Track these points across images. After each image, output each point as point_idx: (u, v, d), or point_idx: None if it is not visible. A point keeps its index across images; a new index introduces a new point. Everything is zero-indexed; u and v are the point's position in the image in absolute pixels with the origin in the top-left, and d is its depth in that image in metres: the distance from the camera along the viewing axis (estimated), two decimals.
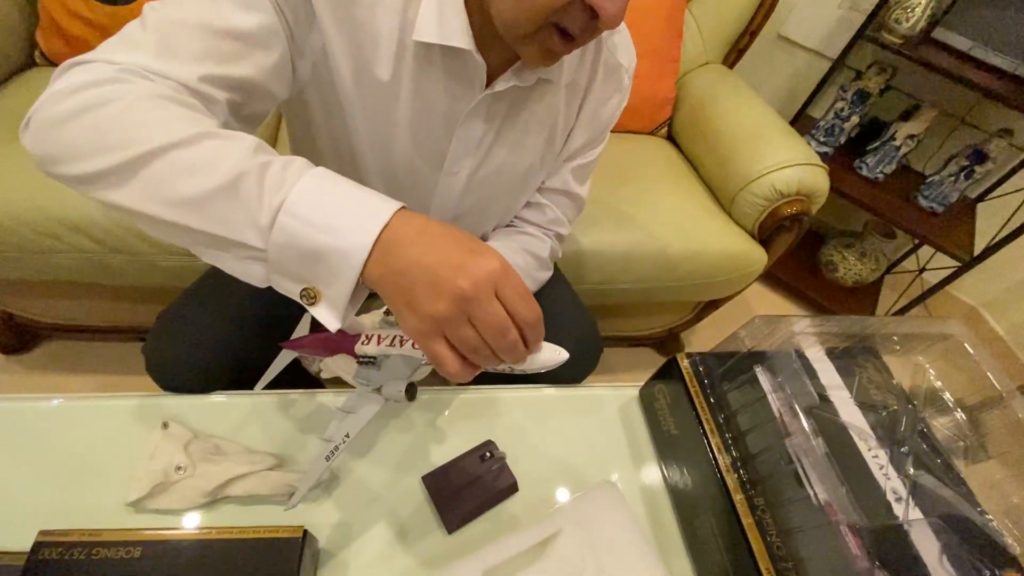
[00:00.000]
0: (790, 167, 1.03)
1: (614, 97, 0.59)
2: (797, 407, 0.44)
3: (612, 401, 0.59)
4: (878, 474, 0.44)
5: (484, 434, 0.52)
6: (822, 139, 1.48)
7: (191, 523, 0.44)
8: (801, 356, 0.51)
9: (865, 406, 0.49)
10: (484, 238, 0.66)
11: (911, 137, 1.37)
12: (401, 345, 0.40)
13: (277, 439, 0.50)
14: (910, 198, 1.44)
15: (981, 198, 1.46)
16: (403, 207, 0.33)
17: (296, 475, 0.46)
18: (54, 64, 1.00)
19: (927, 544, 0.40)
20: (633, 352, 1.40)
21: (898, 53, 1.25)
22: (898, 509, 0.42)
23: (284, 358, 0.50)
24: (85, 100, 0.33)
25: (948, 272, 1.37)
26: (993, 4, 1.22)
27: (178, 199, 0.31)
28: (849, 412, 0.48)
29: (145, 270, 0.88)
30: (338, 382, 0.53)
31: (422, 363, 0.41)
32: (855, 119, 1.42)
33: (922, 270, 1.62)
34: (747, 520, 0.42)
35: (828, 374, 0.51)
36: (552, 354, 0.35)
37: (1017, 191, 1.36)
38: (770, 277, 1.64)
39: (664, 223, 1.05)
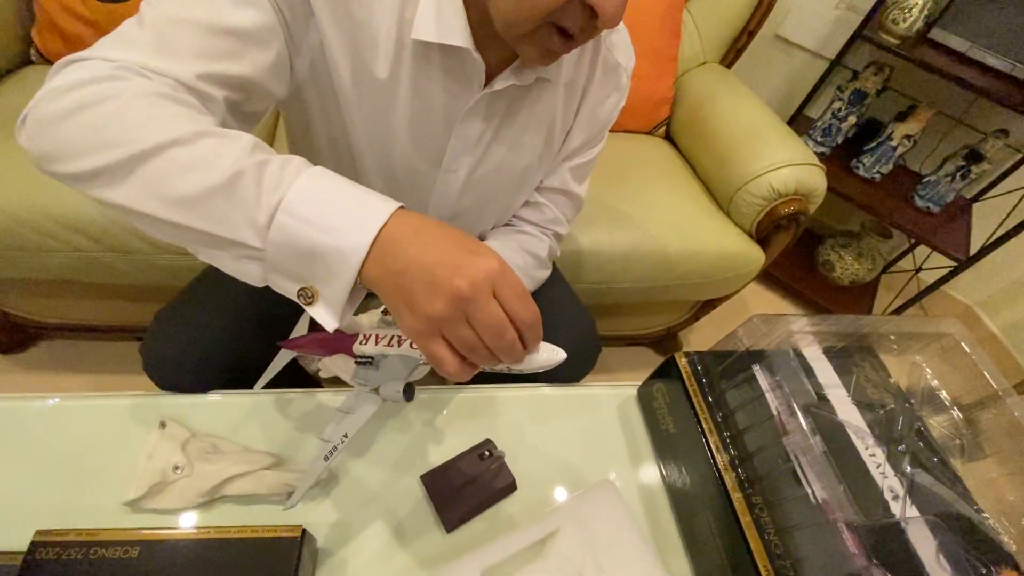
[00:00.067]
0: (788, 167, 1.03)
1: (612, 96, 0.59)
2: (795, 406, 0.44)
3: (610, 400, 0.59)
4: (875, 472, 0.44)
5: (482, 433, 0.52)
6: (819, 139, 1.49)
7: (189, 523, 0.44)
8: (799, 355, 0.51)
9: (862, 405, 0.49)
10: (482, 237, 0.66)
11: (908, 137, 1.37)
12: (399, 345, 0.40)
13: (275, 438, 0.50)
14: (907, 198, 1.45)
15: (977, 198, 1.47)
16: (401, 206, 0.32)
17: (294, 474, 0.46)
18: (50, 62, 1.00)
19: (924, 542, 0.40)
20: (631, 351, 1.40)
21: (895, 53, 1.25)
22: (895, 507, 0.42)
23: (283, 358, 0.50)
24: (82, 97, 0.32)
25: (944, 272, 1.38)
26: (990, 5, 1.23)
27: (175, 197, 0.31)
28: (846, 411, 0.48)
29: (142, 269, 0.88)
30: (336, 381, 0.53)
31: (420, 363, 0.41)
32: (852, 119, 1.43)
33: (918, 270, 1.63)
34: (745, 518, 0.42)
35: (826, 373, 0.51)
36: (550, 354, 0.35)
37: (1013, 191, 1.37)
38: (768, 277, 1.65)
39: (662, 223, 1.05)
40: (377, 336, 0.42)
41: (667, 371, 0.54)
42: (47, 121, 0.33)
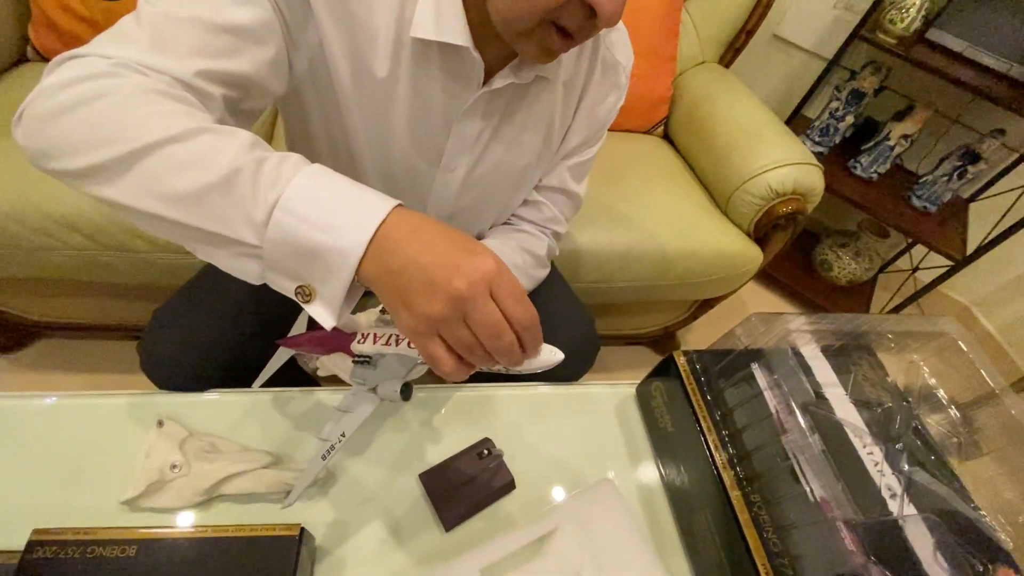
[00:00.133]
0: (786, 166, 1.03)
1: (611, 95, 0.59)
2: (793, 404, 0.45)
3: (609, 399, 0.59)
4: (873, 471, 0.44)
5: (481, 432, 0.52)
6: (817, 139, 1.49)
7: (187, 522, 0.43)
8: (797, 354, 0.51)
9: (860, 403, 0.49)
10: (481, 236, 0.66)
11: (905, 137, 1.38)
12: (397, 344, 0.40)
13: (273, 437, 0.50)
14: (904, 198, 1.45)
15: (974, 198, 1.47)
16: (399, 204, 0.32)
17: (292, 473, 0.46)
18: (46, 59, 0.99)
19: (921, 539, 0.40)
20: (629, 351, 1.40)
21: (892, 53, 1.26)
22: (893, 505, 0.42)
23: (281, 356, 0.50)
24: (78, 94, 0.32)
25: (941, 271, 1.38)
26: (986, 5, 1.23)
27: (172, 195, 0.31)
28: (844, 409, 0.48)
29: (139, 267, 0.87)
30: (334, 380, 0.53)
31: (418, 362, 0.41)
32: (850, 119, 1.43)
33: (915, 269, 1.64)
34: (744, 516, 0.42)
35: (824, 371, 0.51)
36: (548, 355, 0.35)
37: (1009, 191, 1.37)
38: (765, 276, 1.65)
39: (660, 222, 1.05)
40: (375, 335, 0.42)
41: (665, 370, 0.54)
42: (43, 117, 0.33)
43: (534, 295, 0.68)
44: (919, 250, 1.60)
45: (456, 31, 0.44)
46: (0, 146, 0.82)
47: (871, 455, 0.45)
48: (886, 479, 0.44)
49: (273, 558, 0.36)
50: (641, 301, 1.17)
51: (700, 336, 1.44)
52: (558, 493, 0.51)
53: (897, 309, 1.56)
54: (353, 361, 0.43)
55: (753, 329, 0.51)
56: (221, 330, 0.57)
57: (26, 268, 0.86)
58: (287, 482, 0.45)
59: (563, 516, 0.44)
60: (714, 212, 1.13)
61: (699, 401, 0.50)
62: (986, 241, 1.28)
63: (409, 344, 0.39)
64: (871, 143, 1.44)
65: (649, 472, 0.54)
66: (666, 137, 1.34)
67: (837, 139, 1.48)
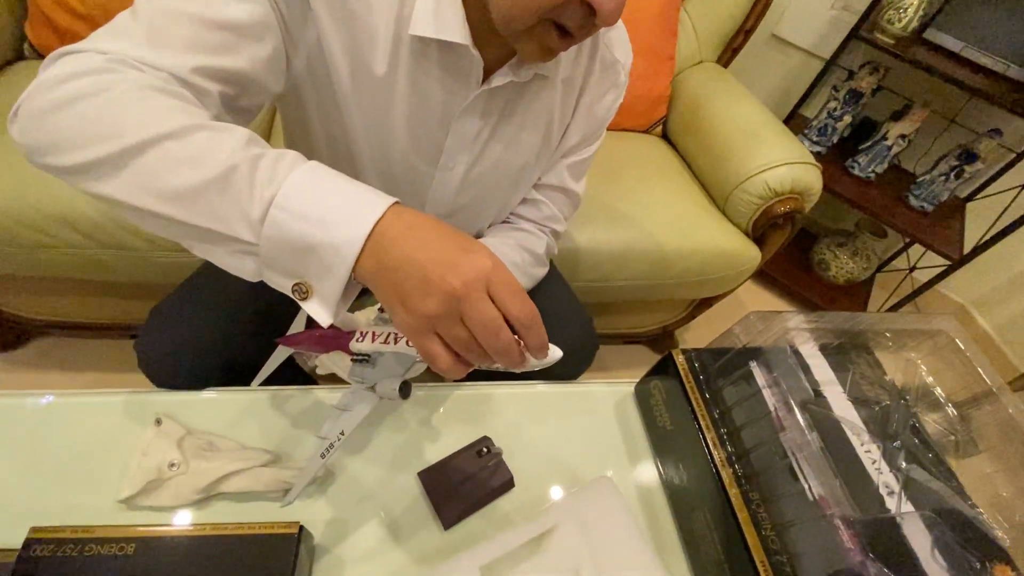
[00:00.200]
0: (784, 165, 1.04)
1: (610, 93, 0.59)
2: (792, 402, 0.45)
3: (608, 397, 0.60)
4: (871, 468, 0.44)
5: (479, 431, 0.52)
6: (815, 138, 1.49)
7: (185, 520, 0.43)
8: (795, 352, 0.51)
9: (858, 401, 0.49)
10: (480, 234, 0.66)
11: (902, 137, 1.38)
12: (395, 342, 0.40)
13: (271, 435, 0.49)
14: (901, 197, 1.45)
15: (971, 198, 1.48)
16: (396, 202, 0.32)
17: (291, 471, 0.46)
18: (43, 57, 0.98)
19: (919, 537, 0.40)
20: (628, 350, 1.41)
21: (890, 53, 1.26)
22: (890, 503, 0.42)
23: (280, 355, 0.50)
24: (74, 90, 0.32)
25: (938, 271, 1.39)
26: (984, 6, 1.24)
27: (169, 191, 0.31)
28: (842, 407, 0.48)
29: (137, 266, 0.87)
30: (332, 378, 0.52)
31: (416, 360, 0.41)
32: (847, 119, 1.44)
33: (912, 269, 1.64)
34: (742, 514, 0.42)
35: (822, 370, 0.51)
36: (547, 352, 0.35)
37: (1006, 191, 1.38)
38: (763, 275, 1.66)
39: (659, 221, 1.05)
40: (373, 333, 0.42)
41: (664, 368, 0.54)
42: (39, 113, 0.33)
43: (533, 294, 0.68)
44: (916, 249, 1.61)
45: (455, 29, 0.44)
46: None
47: (869, 453, 0.45)
48: (884, 477, 0.44)
49: (272, 556, 0.36)
50: (639, 300, 1.17)
51: (698, 335, 1.44)
52: (557, 492, 0.51)
53: (894, 308, 1.56)
54: (352, 359, 0.43)
55: (751, 327, 0.51)
56: (219, 328, 0.57)
57: (23, 266, 0.86)
58: (286, 480, 0.45)
59: (562, 514, 0.44)
60: (712, 211, 1.13)
61: (698, 399, 0.50)
62: (983, 241, 1.28)
63: (407, 342, 0.39)
64: (869, 143, 1.44)
65: (648, 470, 0.54)
66: (664, 136, 1.34)
67: (835, 139, 1.48)
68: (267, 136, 1.07)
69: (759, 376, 0.49)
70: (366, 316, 0.51)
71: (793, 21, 1.47)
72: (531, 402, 0.57)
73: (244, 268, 0.33)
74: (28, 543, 0.35)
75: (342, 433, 0.41)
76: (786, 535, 0.41)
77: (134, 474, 0.43)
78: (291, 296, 0.33)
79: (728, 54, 1.38)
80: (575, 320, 0.71)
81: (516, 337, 0.32)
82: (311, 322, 0.39)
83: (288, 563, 0.36)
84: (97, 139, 0.31)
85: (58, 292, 0.99)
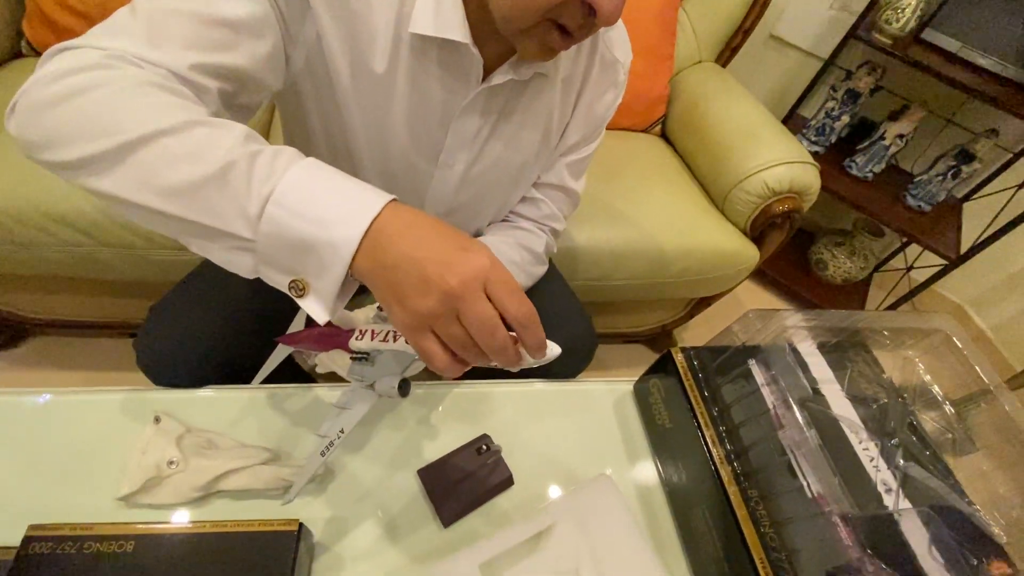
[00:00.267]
0: (782, 165, 1.04)
1: (610, 92, 0.59)
2: (791, 400, 0.45)
3: (606, 396, 0.60)
4: (868, 466, 0.45)
5: (478, 429, 0.52)
6: (813, 138, 1.50)
7: (184, 518, 0.43)
8: (794, 350, 0.52)
9: (856, 399, 0.49)
10: (479, 233, 0.66)
11: (900, 137, 1.39)
12: (394, 340, 0.40)
13: (270, 433, 0.49)
14: (898, 197, 1.46)
15: (967, 197, 1.48)
16: (394, 199, 0.32)
17: (290, 469, 0.46)
18: (41, 54, 0.98)
19: (916, 534, 0.40)
20: (626, 349, 1.41)
21: (888, 53, 1.26)
22: (888, 500, 0.42)
23: (280, 353, 0.50)
24: (72, 85, 0.32)
25: (935, 270, 1.39)
26: (981, 6, 1.24)
27: (166, 188, 0.31)
28: (840, 405, 0.48)
29: (135, 264, 0.87)
30: (331, 377, 0.52)
31: (415, 358, 0.41)
32: (845, 118, 1.44)
33: (909, 268, 1.65)
34: (741, 512, 0.43)
35: (820, 368, 0.51)
36: (546, 349, 0.35)
37: (1003, 191, 1.38)
38: (761, 275, 1.66)
39: (658, 220, 1.05)
40: (372, 331, 0.42)
41: (663, 366, 0.54)
42: (37, 108, 0.33)
43: (532, 292, 0.69)
44: (913, 249, 1.61)
45: (455, 27, 0.44)
46: None
47: (867, 451, 0.46)
48: (881, 474, 0.44)
49: (272, 553, 0.36)
50: (638, 299, 1.17)
51: (696, 334, 1.44)
52: (556, 490, 0.51)
53: (892, 308, 1.57)
54: (351, 358, 0.43)
55: (750, 326, 0.51)
56: (218, 327, 0.56)
57: (20, 264, 0.85)
58: (285, 478, 0.45)
59: (561, 512, 0.44)
60: (711, 210, 1.13)
61: (697, 397, 0.50)
62: (980, 240, 1.29)
63: (406, 340, 0.39)
64: (866, 143, 1.44)
65: (647, 468, 0.54)
66: (663, 136, 1.35)
67: (833, 138, 1.49)
68: (266, 133, 1.07)
69: (758, 374, 0.49)
70: (365, 314, 0.51)
71: (791, 21, 1.47)
72: (530, 400, 0.58)
73: (241, 265, 0.33)
74: (27, 540, 0.35)
75: (342, 431, 0.41)
76: (784, 532, 0.41)
77: (133, 472, 0.43)
78: (287, 293, 0.33)
79: (727, 54, 1.38)
80: (574, 318, 0.71)
81: (514, 336, 0.32)
82: (311, 321, 0.39)
83: (288, 560, 0.36)
84: (95, 135, 0.31)
85: (55, 290, 0.98)
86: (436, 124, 0.52)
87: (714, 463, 0.46)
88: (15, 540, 0.35)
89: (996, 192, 1.40)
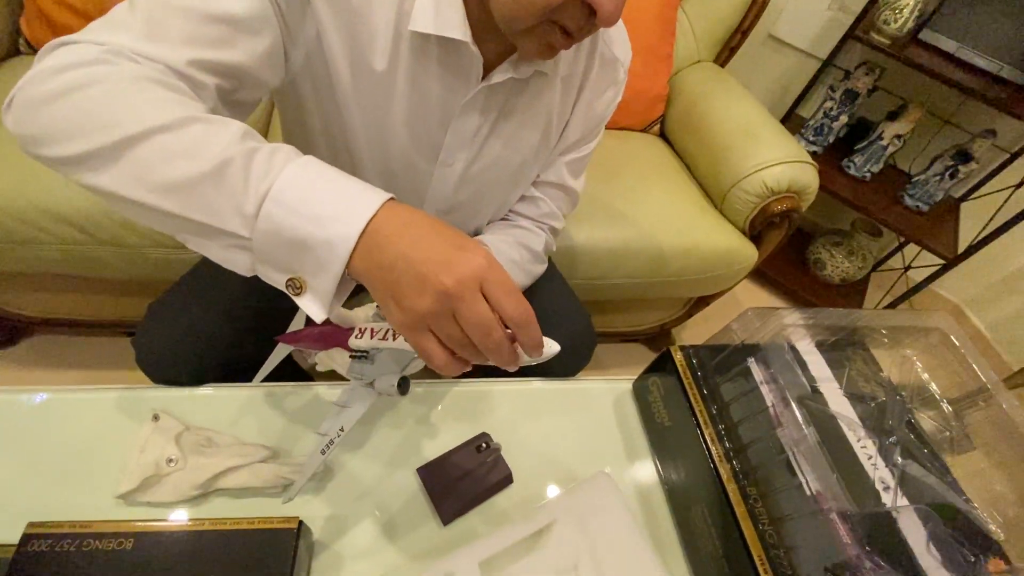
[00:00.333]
0: (781, 164, 1.04)
1: (609, 90, 0.59)
2: (789, 398, 0.45)
3: (606, 394, 0.60)
4: (867, 464, 0.45)
5: (478, 428, 0.52)
6: (811, 138, 1.50)
7: (183, 516, 0.43)
8: (792, 348, 0.52)
9: (854, 397, 0.50)
10: (478, 231, 0.66)
11: (898, 137, 1.39)
12: (393, 339, 0.40)
13: (269, 431, 0.49)
14: (896, 197, 1.46)
15: (965, 197, 1.49)
16: (391, 198, 0.32)
17: (289, 467, 0.46)
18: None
19: (914, 531, 0.40)
20: (625, 348, 1.41)
21: (886, 53, 1.27)
22: (886, 497, 0.43)
23: (280, 352, 0.50)
24: (70, 80, 0.32)
25: (933, 270, 1.39)
26: (978, 7, 1.24)
27: (163, 184, 0.31)
28: (839, 403, 0.49)
29: (133, 262, 0.86)
30: (329, 375, 0.52)
31: (414, 357, 0.41)
32: (843, 118, 1.44)
33: (907, 268, 1.65)
34: (740, 509, 0.43)
35: (818, 366, 0.52)
36: (544, 347, 0.34)
37: (1000, 191, 1.39)
38: (759, 274, 1.66)
39: (656, 219, 1.06)
40: (372, 330, 0.42)
41: (662, 365, 0.54)
42: (34, 103, 0.32)
43: (531, 291, 0.69)
44: (911, 249, 1.61)
45: (455, 25, 0.44)
46: None
47: (865, 448, 0.46)
48: (880, 472, 0.44)
49: (271, 551, 0.36)
50: (637, 298, 1.17)
51: (695, 334, 1.45)
52: (555, 488, 0.51)
53: (890, 307, 1.57)
54: (350, 356, 0.43)
55: (749, 324, 0.51)
56: (217, 325, 0.56)
57: (17, 262, 0.85)
58: (284, 476, 0.45)
59: (560, 510, 0.44)
60: (710, 210, 1.13)
61: (696, 395, 0.50)
62: (977, 240, 1.29)
63: (405, 339, 0.39)
64: (864, 143, 1.45)
65: (646, 466, 0.54)
66: (662, 135, 1.35)
67: (831, 138, 1.49)
68: (264, 131, 1.06)
69: (756, 372, 0.49)
70: (364, 312, 0.51)
71: (790, 21, 1.47)
72: (529, 399, 0.58)
73: (238, 262, 0.33)
74: (25, 538, 0.35)
75: (342, 429, 0.41)
76: (783, 529, 0.41)
77: (132, 470, 0.43)
78: (285, 291, 0.33)
79: (725, 54, 1.38)
80: (573, 317, 0.71)
81: (511, 335, 0.32)
82: (311, 319, 0.39)
83: (287, 558, 0.36)
84: (92, 130, 0.31)
85: (53, 288, 0.98)
86: (436, 122, 0.52)
87: (713, 461, 0.46)
88: (14, 538, 0.35)
89: (993, 192, 1.41)
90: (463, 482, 0.48)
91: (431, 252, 0.30)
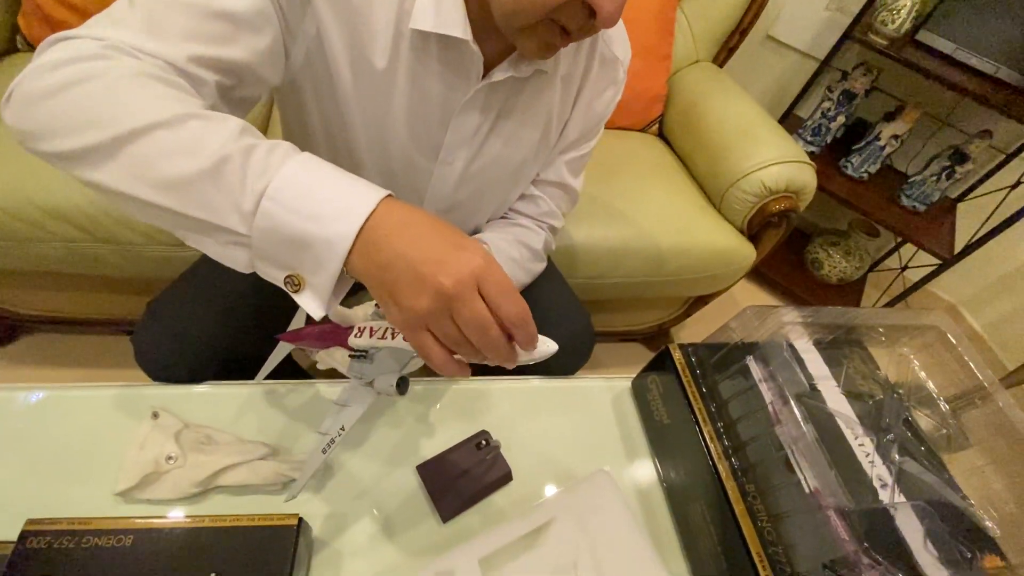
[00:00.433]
0: (779, 164, 1.04)
1: (609, 89, 0.59)
2: (788, 395, 0.45)
3: (605, 392, 0.60)
4: (864, 461, 0.45)
5: (477, 426, 0.52)
6: (809, 138, 1.51)
7: (182, 513, 0.43)
8: (790, 346, 0.52)
9: (852, 395, 0.50)
10: (478, 230, 0.66)
11: (895, 137, 1.39)
12: (393, 338, 0.40)
13: (268, 429, 0.49)
14: (893, 197, 1.47)
15: (961, 198, 1.50)
16: (389, 195, 0.32)
17: (289, 465, 0.46)
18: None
19: (911, 528, 0.41)
20: (623, 347, 1.41)
21: (883, 54, 1.27)
22: (884, 494, 0.43)
23: (281, 351, 0.50)
24: (68, 75, 0.32)
25: (929, 270, 1.40)
26: (975, 8, 1.25)
27: (161, 181, 0.31)
28: (836, 401, 0.49)
29: (132, 260, 0.86)
30: (328, 373, 0.52)
31: (413, 356, 0.41)
32: (841, 119, 1.45)
33: (904, 268, 1.66)
34: (738, 507, 0.43)
35: (816, 364, 0.52)
36: (542, 346, 0.34)
37: (996, 191, 1.39)
38: (757, 274, 1.67)
39: (655, 219, 1.06)
40: (371, 329, 0.42)
41: (661, 363, 0.54)
42: (33, 98, 0.32)
43: (531, 289, 0.69)
44: (908, 249, 1.62)
45: (456, 24, 0.44)
46: None
47: (862, 446, 0.46)
48: (877, 469, 0.44)
49: (271, 548, 0.36)
50: (635, 297, 1.17)
51: (693, 333, 1.45)
52: (554, 486, 0.51)
53: (887, 307, 1.58)
54: (350, 355, 0.43)
55: (747, 322, 0.52)
56: (216, 322, 0.56)
57: (15, 260, 0.85)
58: (284, 474, 0.45)
59: (560, 508, 0.44)
60: (708, 209, 1.14)
61: (695, 393, 0.50)
62: (973, 240, 1.30)
63: (404, 338, 0.39)
64: (862, 143, 1.45)
65: (645, 464, 0.54)
66: (661, 135, 1.35)
67: (828, 139, 1.50)
68: (264, 129, 1.06)
69: (755, 370, 0.49)
70: (364, 311, 0.51)
71: (788, 22, 1.48)
72: (528, 397, 0.58)
73: (236, 259, 0.33)
74: (24, 535, 0.35)
75: (343, 428, 0.41)
76: (781, 526, 0.42)
77: (131, 467, 0.43)
78: (284, 288, 0.33)
79: (724, 54, 1.39)
80: (572, 315, 0.71)
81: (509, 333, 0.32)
82: (311, 318, 0.39)
83: (287, 555, 0.36)
84: (90, 126, 0.31)
85: (51, 286, 0.98)
86: (436, 121, 0.52)
87: (712, 458, 0.46)
88: (12, 535, 0.35)
89: (989, 192, 1.41)
90: (462, 480, 0.48)
91: (429, 251, 0.30)
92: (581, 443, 0.55)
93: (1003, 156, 1.37)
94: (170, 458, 0.43)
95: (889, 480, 0.44)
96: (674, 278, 1.09)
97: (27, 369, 1.06)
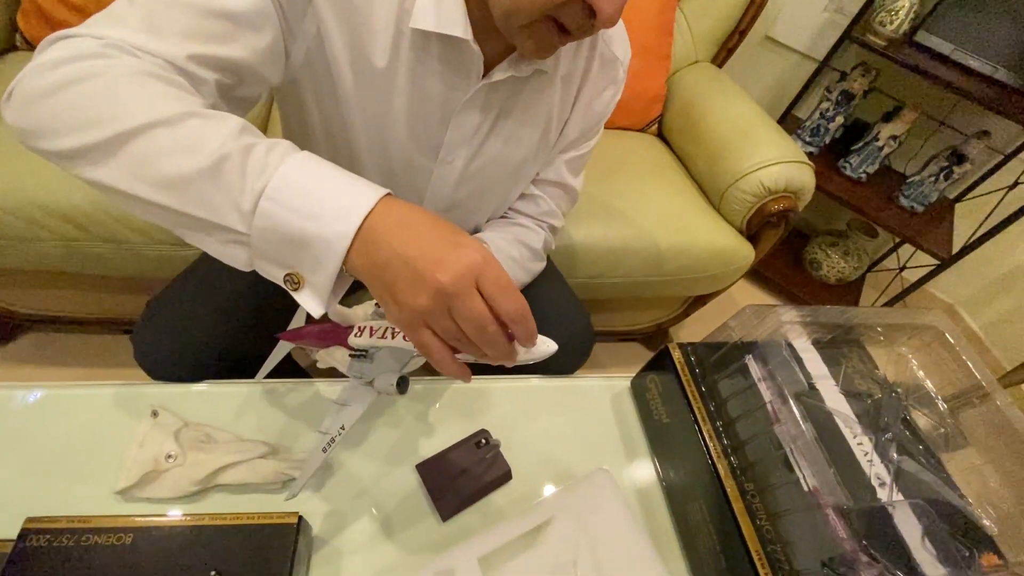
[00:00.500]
0: (778, 164, 1.05)
1: (608, 89, 0.59)
2: (787, 394, 0.45)
3: (604, 392, 0.60)
4: (863, 460, 0.45)
5: (476, 425, 0.52)
6: (808, 139, 1.51)
7: (182, 511, 0.43)
8: (789, 346, 0.52)
9: (850, 394, 0.50)
10: (478, 229, 0.66)
11: (893, 138, 1.40)
12: (393, 337, 0.40)
13: (268, 428, 0.49)
14: (892, 198, 1.47)
15: (959, 198, 1.50)
16: (388, 194, 0.32)
17: (288, 464, 0.46)
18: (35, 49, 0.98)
19: (909, 526, 0.41)
20: (622, 347, 1.41)
21: (882, 55, 1.28)
22: (882, 493, 0.43)
23: (281, 350, 0.50)
24: (69, 74, 0.32)
25: (927, 270, 1.40)
26: (974, 9, 1.25)
27: (160, 179, 0.31)
28: (835, 400, 0.49)
29: (131, 259, 0.86)
30: (328, 372, 0.52)
31: (413, 355, 0.41)
32: (840, 119, 1.45)
33: (902, 268, 1.66)
34: (737, 505, 0.43)
35: (815, 364, 0.52)
36: (541, 345, 0.35)
37: (994, 192, 1.40)
38: (756, 274, 1.67)
39: (654, 218, 1.06)
40: (371, 328, 0.42)
41: (661, 362, 0.55)
42: (33, 97, 0.32)
43: (530, 289, 0.69)
44: (906, 249, 1.62)
45: (456, 23, 0.44)
46: None
47: (861, 445, 0.46)
48: (875, 468, 0.45)
49: (271, 546, 0.36)
50: (634, 297, 1.17)
51: (692, 333, 1.45)
52: (554, 484, 0.51)
53: (885, 307, 1.58)
54: (350, 355, 0.43)
55: (747, 321, 0.52)
56: (216, 321, 0.56)
57: (15, 259, 0.85)
58: (283, 472, 0.45)
59: (559, 506, 0.44)
60: (707, 209, 1.14)
61: (694, 392, 0.50)
62: (971, 241, 1.30)
63: (404, 337, 0.39)
64: (860, 144, 1.46)
65: (644, 463, 0.54)
66: (660, 135, 1.35)
67: (827, 139, 1.50)
68: (264, 128, 1.06)
69: (754, 369, 0.50)
70: (363, 311, 0.51)
71: (787, 23, 1.48)
72: (528, 396, 0.58)
73: (236, 258, 0.33)
74: (24, 533, 0.35)
75: (343, 427, 0.42)
76: (780, 525, 0.42)
77: (130, 466, 0.43)
78: (283, 286, 0.33)
79: (723, 54, 1.39)
80: (572, 315, 0.71)
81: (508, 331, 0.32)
82: (311, 317, 0.39)
83: (287, 553, 0.36)
84: (90, 124, 0.31)
85: (50, 285, 0.97)
86: (436, 120, 0.52)
87: (711, 457, 0.46)
88: (12, 533, 0.35)
89: (987, 193, 1.42)
90: (462, 478, 0.48)
91: (427, 249, 0.30)
92: (580, 442, 0.55)
93: (1001, 157, 1.38)
94: (170, 457, 0.43)
95: (887, 479, 0.44)
96: (673, 278, 1.09)
97: (27, 368, 1.06)
